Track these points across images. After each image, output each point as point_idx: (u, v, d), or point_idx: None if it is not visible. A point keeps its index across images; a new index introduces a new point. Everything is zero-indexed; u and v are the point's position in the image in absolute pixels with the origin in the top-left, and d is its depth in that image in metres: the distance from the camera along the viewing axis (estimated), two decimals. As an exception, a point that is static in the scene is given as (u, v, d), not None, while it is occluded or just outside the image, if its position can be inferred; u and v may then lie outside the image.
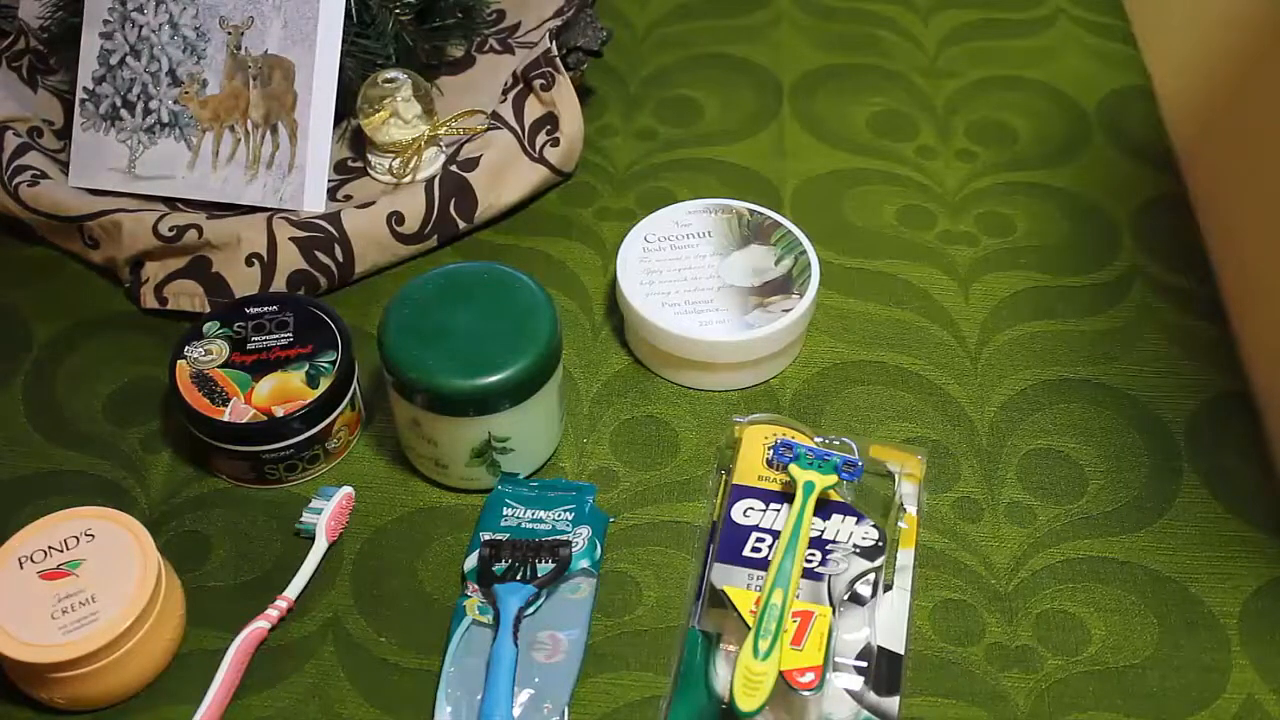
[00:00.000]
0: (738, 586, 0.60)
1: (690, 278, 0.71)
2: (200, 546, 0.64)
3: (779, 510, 0.63)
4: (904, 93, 0.90)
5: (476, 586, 0.61)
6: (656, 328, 0.69)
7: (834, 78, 0.91)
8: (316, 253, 0.74)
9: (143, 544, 0.58)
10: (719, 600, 0.60)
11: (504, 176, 0.79)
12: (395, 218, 0.76)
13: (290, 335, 0.66)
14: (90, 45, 0.78)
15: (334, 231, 0.74)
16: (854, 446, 0.66)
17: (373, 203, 0.76)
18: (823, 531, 0.62)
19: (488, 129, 0.80)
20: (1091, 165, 0.85)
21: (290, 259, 0.73)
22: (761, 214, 0.74)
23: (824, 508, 0.63)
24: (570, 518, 0.63)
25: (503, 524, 0.63)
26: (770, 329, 0.68)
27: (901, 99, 0.90)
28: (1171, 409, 0.70)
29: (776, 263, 0.72)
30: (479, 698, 0.57)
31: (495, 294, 0.64)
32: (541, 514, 0.64)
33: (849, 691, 0.58)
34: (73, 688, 0.56)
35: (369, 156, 0.82)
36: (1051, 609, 0.62)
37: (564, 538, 0.62)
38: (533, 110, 0.80)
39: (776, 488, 0.64)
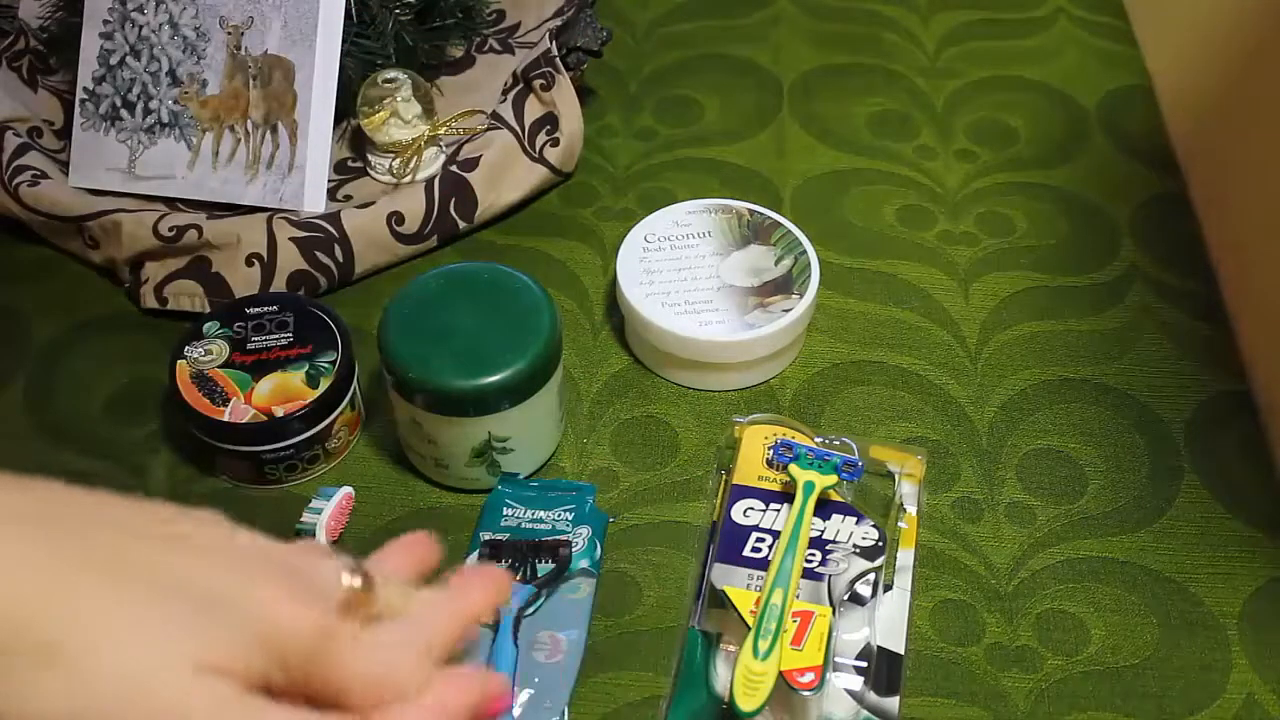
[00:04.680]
0: (738, 586, 0.60)
1: (690, 278, 0.71)
2: (200, 546, 0.64)
3: (779, 510, 0.63)
4: (904, 93, 0.90)
5: (476, 586, 0.61)
6: (656, 328, 0.69)
7: (834, 78, 0.91)
8: (316, 253, 0.74)
9: (143, 544, 0.58)
10: (719, 600, 0.60)
11: (504, 176, 0.79)
12: (395, 218, 0.76)
13: (290, 335, 0.66)
14: (90, 45, 0.78)
15: (334, 231, 0.74)
16: (854, 446, 0.66)
17: (373, 203, 0.76)
18: (823, 531, 0.62)
19: (488, 129, 0.80)
20: (1091, 165, 0.85)
21: (290, 259, 0.73)
22: (761, 214, 0.74)
23: (824, 508, 0.63)
24: (570, 518, 0.63)
25: (503, 524, 0.63)
26: (770, 329, 0.68)
27: (901, 99, 0.90)
28: (1171, 409, 0.70)
29: (776, 263, 0.72)
30: (479, 698, 0.57)
31: (495, 294, 0.64)
32: (541, 514, 0.64)
33: (849, 691, 0.58)
34: (73, 688, 0.56)
35: (369, 156, 0.82)
36: (1051, 609, 0.62)
37: (564, 538, 0.62)
38: (533, 110, 0.80)
39: (776, 488, 0.64)
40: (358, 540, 0.64)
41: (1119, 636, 0.61)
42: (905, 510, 0.65)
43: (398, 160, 0.80)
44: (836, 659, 0.58)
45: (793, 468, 0.63)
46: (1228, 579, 0.63)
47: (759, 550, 0.61)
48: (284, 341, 0.66)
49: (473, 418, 0.62)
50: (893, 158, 0.85)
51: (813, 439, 0.66)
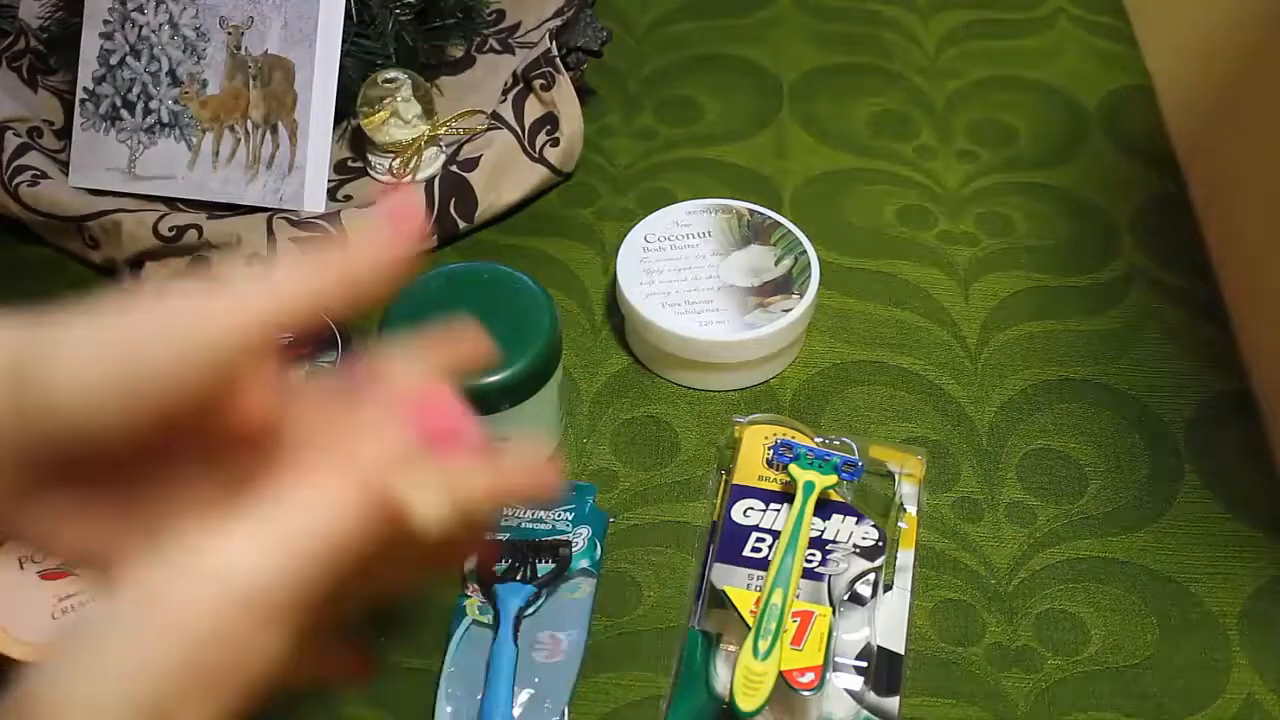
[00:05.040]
0: (738, 586, 0.60)
1: (690, 278, 0.71)
2: (200, 546, 0.64)
3: (779, 510, 0.63)
4: (904, 93, 0.90)
5: (476, 586, 0.61)
6: (657, 328, 0.69)
7: (834, 78, 0.91)
8: (316, 253, 0.74)
9: (143, 544, 0.58)
10: (719, 600, 0.60)
11: (504, 176, 0.79)
12: (395, 218, 0.76)
13: (290, 335, 0.66)
14: (90, 45, 0.78)
15: (334, 231, 0.74)
16: (854, 446, 0.66)
17: (373, 203, 0.76)
18: (823, 531, 0.62)
19: (488, 129, 0.80)
20: (1091, 165, 0.85)
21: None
22: (761, 214, 0.74)
23: (824, 508, 0.63)
24: (570, 518, 0.63)
25: (503, 524, 0.63)
26: (770, 329, 0.68)
27: (901, 99, 0.90)
28: (1171, 409, 0.70)
29: (776, 263, 0.72)
30: (479, 698, 0.57)
31: (495, 294, 0.64)
32: (541, 514, 0.64)
33: (849, 691, 0.58)
34: (73, 688, 0.56)
35: (369, 156, 0.82)
36: (1052, 609, 0.62)
37: (564, 538, 0.62)
38: (533, 110, 0.80)
39: (776, 488, 0.64)
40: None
41: (1119, 636, 0.61)
42: (905, 510, 0.65)
43: (398, 160, 0.80)
44: (836, 659, 0.58)
45: (793, 468, 0.63)
46: (1228, 579, 0.63)
47: (759, 550, 0.61)
48: (284, 341, 0.66)
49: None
50: (893, 158, 0.85)
51: (813, 439, 0.66)
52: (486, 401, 0.61)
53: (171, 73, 0.78)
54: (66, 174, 0.78)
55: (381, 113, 0.79)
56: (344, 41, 0.77)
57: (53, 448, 0.31)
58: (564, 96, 0.81)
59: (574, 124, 0.81)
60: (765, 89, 0.90)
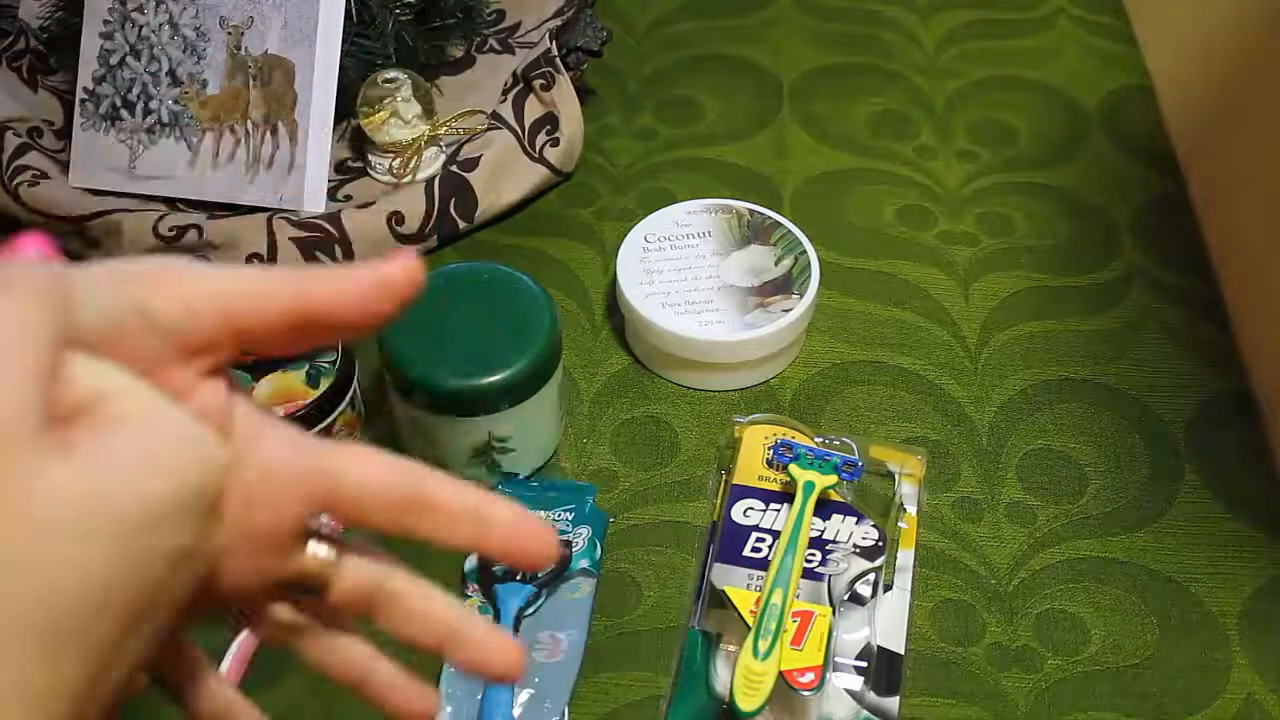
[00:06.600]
0: (738, 586, 0.60)
1: (690, 278, 0.71)
2: (200, 546, 0.64)
3: (779, 510, 0.63)
4: (904, 93, 0.90)
5: (476, 586, 0.61)
6: (657, 328, 0.69)
7: (834, 78, 0.91)
8: (316, 253, 0.74)
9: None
10: (719, 600, 0.60)
11: (504, 176, 0.79)
12: (395, 218, 0.76)
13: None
14: (90, 45, 0.78)
15: (334, 231, 0.74)
16: (854, 446, 0.66)
17: (373, 203, 0.76)
18: (823, 531, 0.62)
19: (488, 129, 0.80)
20: (1091, 165, 0.85)
21: (290, 259, 0.73)
22: (761, 214, 0.74)
23: (824, 508, 0.63)
24: (570, 518, 0.63)
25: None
26: (770, 329, 0.68)
27: (901, 99, 0.90)
28: (1171, 409, 0.70)
29: (776, 263, 0.72)
30: (479, 698, 0.57)
31: (495, 294, 0.64)
32: (541, 514, 0.64)
33: (849, 691, 0.58)
34: (73, 688, 0.56)
35: (369, 156, 0.82)
36: (1052, 609, 0.62)
37: (564, 538, 0.62)
38: (533, 110, 0.81)
39: (776, 488, 0.64)
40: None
41: (1119, 636, 0.61)
42: (905, 510, 0.65)
43: (398, 160, 0.80)
44: (836, 659, 0.58)
45: (793, 468, 0.63)
46: (1228, 579, 0.63)
47: (759, 550, 0.61)
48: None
49: (473, 418, 0.62)
50: (893, 158, 0.85)
51: (813, 439, 0.66)
52: (486, 401, 0.61)
53: (171, 73, 0.78)
54: (66, 174, 0.78)
55: (381, 113, 0.79)
56: (344, 41, 0.77)
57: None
58: (564, 96, 0.81)
59: (574, 124, 0.81)
60: (765, 89, 0.91)
